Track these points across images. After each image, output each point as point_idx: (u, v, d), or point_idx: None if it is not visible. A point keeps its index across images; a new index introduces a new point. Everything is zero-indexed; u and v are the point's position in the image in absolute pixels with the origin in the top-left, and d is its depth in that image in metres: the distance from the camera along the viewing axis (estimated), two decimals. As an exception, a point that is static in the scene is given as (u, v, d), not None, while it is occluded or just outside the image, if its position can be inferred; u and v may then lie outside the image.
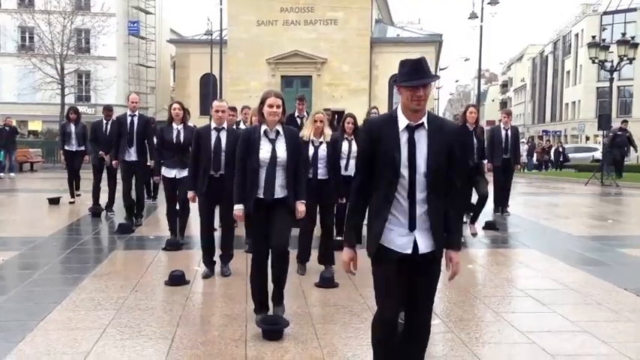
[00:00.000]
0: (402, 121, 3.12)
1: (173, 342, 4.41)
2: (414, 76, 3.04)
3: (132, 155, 9.36)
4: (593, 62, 23.57)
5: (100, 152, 10.84)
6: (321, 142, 6.41)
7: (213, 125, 6.26)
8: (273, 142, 4.75)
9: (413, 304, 3.25)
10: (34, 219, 10.81)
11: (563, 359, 4.09)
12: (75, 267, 6.90)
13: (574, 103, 56.41)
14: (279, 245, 4.74)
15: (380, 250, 3.16)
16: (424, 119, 3.12)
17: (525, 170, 30.38)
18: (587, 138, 49.73)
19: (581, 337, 4.59)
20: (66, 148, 11.98)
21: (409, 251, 3.12)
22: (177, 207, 8.01)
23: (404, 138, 3.10)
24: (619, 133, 21.09)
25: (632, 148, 22.06)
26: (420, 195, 3.12)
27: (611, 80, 23.38)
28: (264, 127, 4.78)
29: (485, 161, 8.58)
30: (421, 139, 3.11)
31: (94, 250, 8.16)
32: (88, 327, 4.70)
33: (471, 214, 8.68)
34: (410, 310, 3.29)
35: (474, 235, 8.29)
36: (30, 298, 5.54)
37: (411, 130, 3.10)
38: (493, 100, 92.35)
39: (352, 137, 7.48)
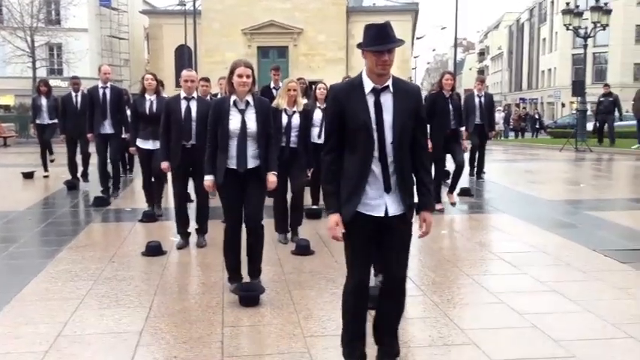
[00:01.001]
0: (368, 85, 3.13)
1: (151, 310, 4.46)
2: (379, 40, 3.05)
3: (106, 128, 9.24)
4: (567, 29, 23.70)
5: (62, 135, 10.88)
6: (294, 112, 6.42)
7: (182, 95, 6.21)
8: (242, 112, 4.73)
9: (388, 261, 3.30)
10: (8, 193, 10.70)
11: (531, 317, 4.21)
12: (51, 240, 6.89)
13: (550, 70, 56.79)
14: (253, 220, 4.81)
15: (354, 215, 3.17)
16: (389, 82, 3.15)
17: (502, 137, 30.65)
18: (563, 105, 50.20)
19: (549, 297, 4.72)
20: (37, 121, 11.83)
21: (382, 214, 3.16)
22: (153, 179, 8.01)
23: (370, 101, 3.13)
24: (601, 99, 19.73)
25: (616, 115, 19.52)
26: (390, 157, 3.16)
27: (585, 47, 23.54)
28: (233, 98, 4.75)
29: (463, 128, 8.64)
30: (387, 102, 3.13)
31: (70, 222, 8.13)
32: (65, 298, 4.72)
33: (448, 181, 8.78)
34: (386, 267, 3.35)
35: (453, 204, 8.38)
36: (6, 271, 5.54)
37: (376, 92, 3.13)
38: (470, 69, 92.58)
39: (325, 105, 7.43)
